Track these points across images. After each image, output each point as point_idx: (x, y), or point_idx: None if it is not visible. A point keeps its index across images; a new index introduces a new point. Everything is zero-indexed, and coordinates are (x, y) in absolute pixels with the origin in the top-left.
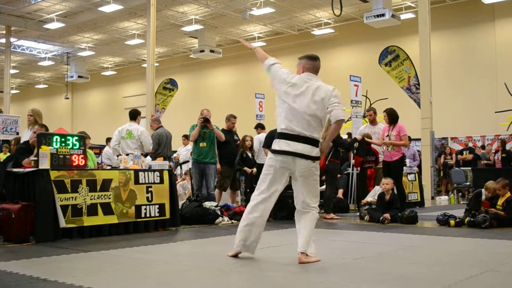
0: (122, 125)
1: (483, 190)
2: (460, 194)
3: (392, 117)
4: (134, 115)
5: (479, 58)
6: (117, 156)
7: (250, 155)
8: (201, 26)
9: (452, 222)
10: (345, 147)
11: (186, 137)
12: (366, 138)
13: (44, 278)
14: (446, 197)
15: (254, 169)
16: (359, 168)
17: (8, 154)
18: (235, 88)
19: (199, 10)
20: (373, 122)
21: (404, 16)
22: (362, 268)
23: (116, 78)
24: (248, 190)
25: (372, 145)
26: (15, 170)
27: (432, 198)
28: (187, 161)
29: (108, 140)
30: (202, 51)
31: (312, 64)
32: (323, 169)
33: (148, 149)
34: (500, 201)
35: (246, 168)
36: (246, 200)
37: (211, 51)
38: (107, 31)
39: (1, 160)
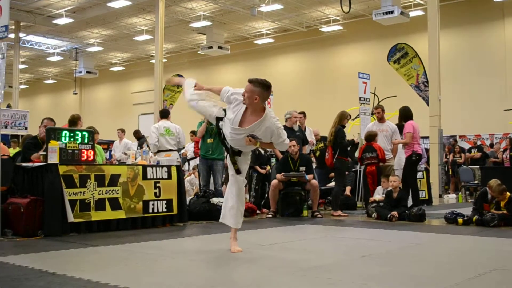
0: (157, 123)
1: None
2: (468, 192)
3: (402, 115)
4: (166, 113)
5: (488, 56)
6: (155, 153)
7: (262, 151)
8: (210, 23)
9: (460, 220)
10: (344, 148)
11: (193, 133)
12: (374, 136)
13: (53, 272)
14: (454, 195)
15: (268, 167)
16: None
17: (18, 149)
18: (242, 85)
19: (208, 6)
20: (381, 119)
21: (413, 13)
22: (369, 265)
23: (124, 74)
24: (257, 187)
25: (376, 142)
26: (24, 164)
27: (440, 196)
28: (195, 157)
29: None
30: (210, 47)
31: (266, 95)
32: (331, 167)
33: (183, 144)
34: (502, 203)
35: (258, 168)
36: (255, 197)
37: (219, 47)
38: (115, 26)
39: (11, 155)
